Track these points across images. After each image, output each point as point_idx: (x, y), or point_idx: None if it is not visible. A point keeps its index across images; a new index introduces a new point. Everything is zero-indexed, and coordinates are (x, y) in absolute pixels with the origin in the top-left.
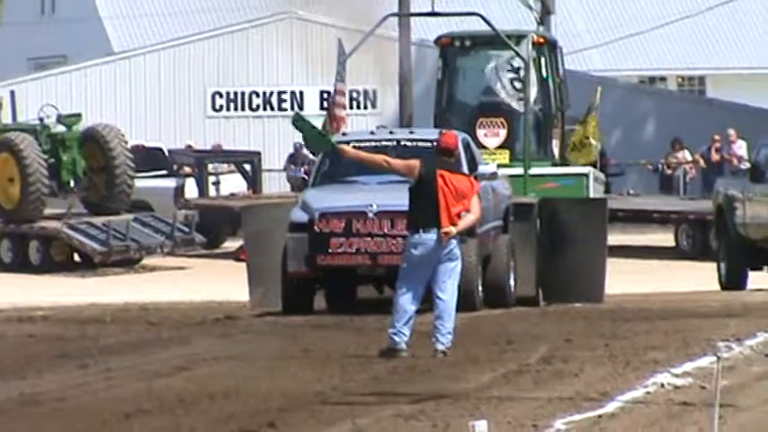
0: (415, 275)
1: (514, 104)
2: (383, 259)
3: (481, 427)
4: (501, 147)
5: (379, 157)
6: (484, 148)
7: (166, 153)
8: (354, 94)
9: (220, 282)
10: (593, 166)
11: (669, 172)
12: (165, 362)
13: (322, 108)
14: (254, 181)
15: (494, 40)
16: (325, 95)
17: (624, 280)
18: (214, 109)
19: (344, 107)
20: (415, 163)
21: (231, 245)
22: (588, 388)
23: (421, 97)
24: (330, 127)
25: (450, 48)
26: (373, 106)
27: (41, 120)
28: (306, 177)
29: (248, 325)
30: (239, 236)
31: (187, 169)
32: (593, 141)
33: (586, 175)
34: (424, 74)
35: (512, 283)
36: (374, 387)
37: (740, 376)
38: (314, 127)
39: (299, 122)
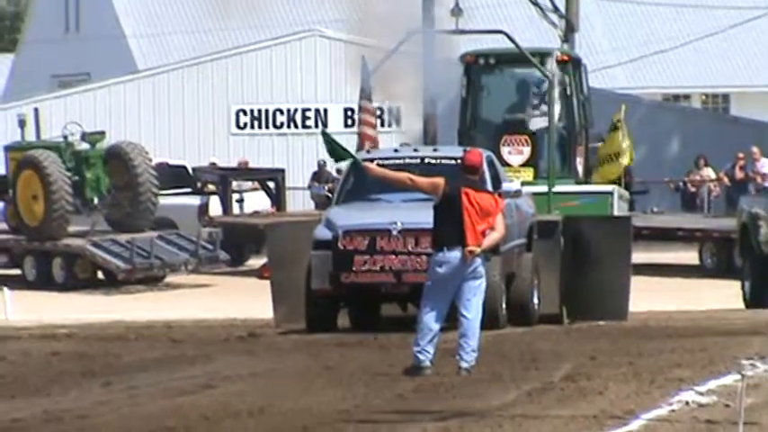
0: (439, 294)
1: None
2: (407, 277)
3: None
4: (525, 164)
5: (404, 175)
6: (508, 165)
7: (190, 171)
8: (378, 112)
9: (244, 299)
10: (618, 183)
11: (693, 189)
12: (189, 379)
13: (346, 125)
14: (278, 198)
15: (518, 58)
16: (350, 113)
17: (648, 298)
18: (238, 126)
19: (374, 126)
20: (440, 181)
21: (255, 262)
22: (613, 406)
23: (445, 115)
24: (363, 147)
25: (475, 65)
26: (397, 124)
27: (65, 137)
28: (330, 195)
29: (272, 343)
30: (263, 253)
31: (211, 187)
32: (621, 159)
33: (611, 193)
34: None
35: (535, 301)
36: (398, 405)
37: (765, 394)
38: (343, 147)
39: (328, 139)
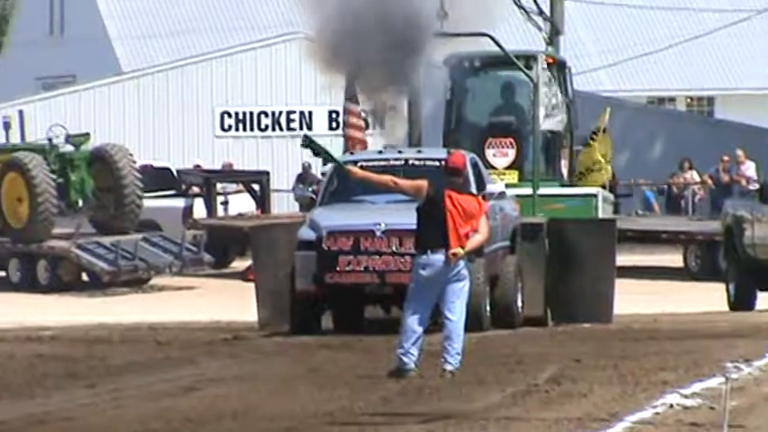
0: (422, 296)
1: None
2: (391, 278)
3: None
4: (510, 167)
5: (387, 178)
6: (493, 168)
7: (175, 173)
8: (363, 114)
9: (229, 302)
10: (603, 187)
11: (676, 192)
12: (173, 382)
13: (330, 128)
14: (262, 201)
15: (503, 61)
16: (334, 115)
17: (633, 301)
18: (223, 129)
19: (361, 128)
20: (423, 183)
21: (239, 265)
22: (597, 409)
23: (430, 117)
24: (349, 149)
25: (460, 68)
26: (381, 126)
27: (50, 139)
28: (314, 197)
29: (256, 345)
30: (247, 256)
31: (196, 189)
32: (603, 164)
33: (595, 196)
34: (433, 94)
35: (519, 303)
36: (383, 407)
37: (749, 397)
38: (326, 150)
39: (309, 143)
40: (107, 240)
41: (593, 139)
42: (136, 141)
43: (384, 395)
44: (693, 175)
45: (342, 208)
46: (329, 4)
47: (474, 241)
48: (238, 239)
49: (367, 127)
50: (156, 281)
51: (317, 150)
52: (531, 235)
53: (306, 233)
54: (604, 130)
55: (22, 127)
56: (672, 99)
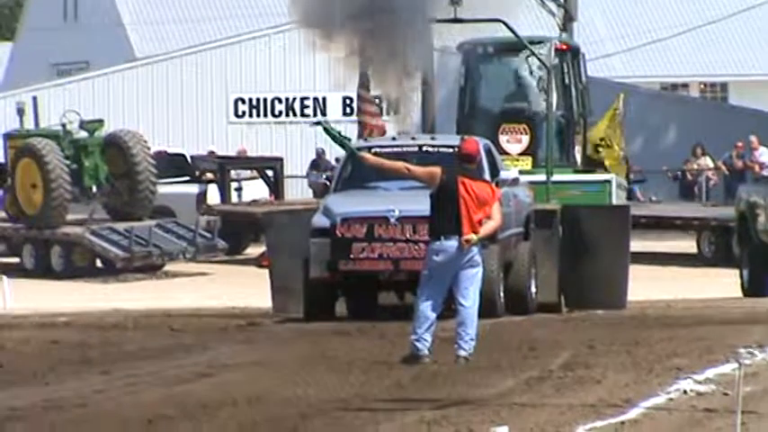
0: (436, 282)
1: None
2: (405, 264)
3: None
4: (523, 153)
5: (400, 165)
6: (506, 154)
7: (189, 159)
8: (377, 101)
9: (242, 288)
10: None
11: (690, 178)
12: (187, 368)
13: (345, 114)
14: (276, 187)
15: (516, 47)
16: (348, 101)
17: (646, 287)
18: (236, 115)
19: (376, 114)
20: (437, 170)
21: (253, 251)
22: (611, 395)
23: (443, 104)
24: (364, 135)
25: (473, 54)
26: (396, 112)
27: (64, 125)
28: (328, 183)
29: (270, 331)
30: (261, 242)
31: (209, 175)
32: (608, 141)
33: (609, 182)
34: (446, 80)
35: (533, 289)
36: (397, 393)
37: (762, 383)
38: (339, 137)
39: (324, 128)
40: (121, 226)
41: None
42: (150, 127)
43: (398, 381)
44: (707, 161)
45: (355, 195)
46: None
47: (487, 228)
48: (252, 226)
49: (381, 113)
50: (169, 267)
51: (332, 135)
52: (544, 221)
53: (320, 220)
54: (615, 111)
55: (35, 113)
56: (685, 85)
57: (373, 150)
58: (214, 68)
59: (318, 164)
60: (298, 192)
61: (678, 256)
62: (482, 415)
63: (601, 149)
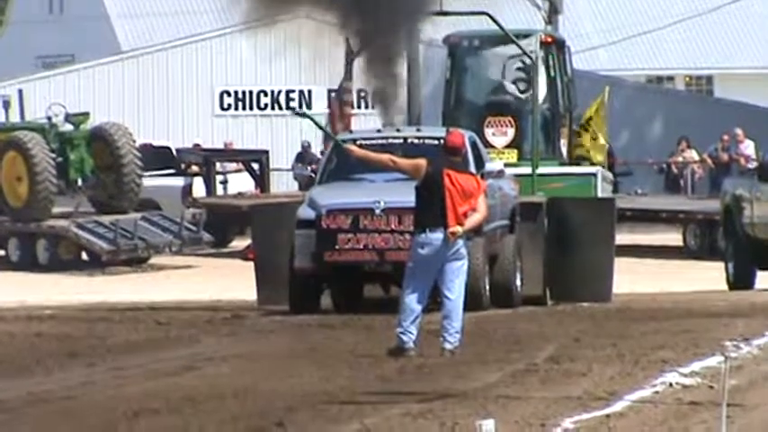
0: (421, 275)
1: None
2: (390, 255)
3: (488, 427)
4: (509, 146)
5: (386, 157)
6: (492, 147)
7: (174, 152)
8: (362, 93)
9: (228, 281)
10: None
11: (676, 171)
12: (173, 361)
13: (330, 107)
14: (261, 180)
15: (502, 40)
16: (334, 94)
17: (632, 280)
18: (222, 108)
19: (352, 106)
20: (422, 162)
21: (239, 244)
22: (596, 387)
23: (429, 96)
24: (334, 126)
25: (459, 47)
26: (381, 105)
27: (49, 118)
28: (313, 176)
29: (256, 324)
30: (247, 235)
31: (195, 168)
32: (599, 136)
33: (594, 175)
34: (432, 73)
35: (518, 282)
36: (382, 386)
37: (748, 376)
38: (321, 126)
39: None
40: (106, 219)
41: (585, 129)
42: (135, 120)
43: (383, 374)
44: (692, 154)
45: (340, 186)
46: None
47: (473, 220)
48: (238, 218)
49: (366, 106)
50: (155, 260)
51: (318, 125)
52: (530, 214)
53: (305, 212)
54: (596, 111)
55: (21, 106)
56: (671, 78)
57: (358, 142)
58: (200, 61)
59: (304, 156)
60: (283, 184)
61: (664, 248)
62: (468, 408)
63: (583, 132)
